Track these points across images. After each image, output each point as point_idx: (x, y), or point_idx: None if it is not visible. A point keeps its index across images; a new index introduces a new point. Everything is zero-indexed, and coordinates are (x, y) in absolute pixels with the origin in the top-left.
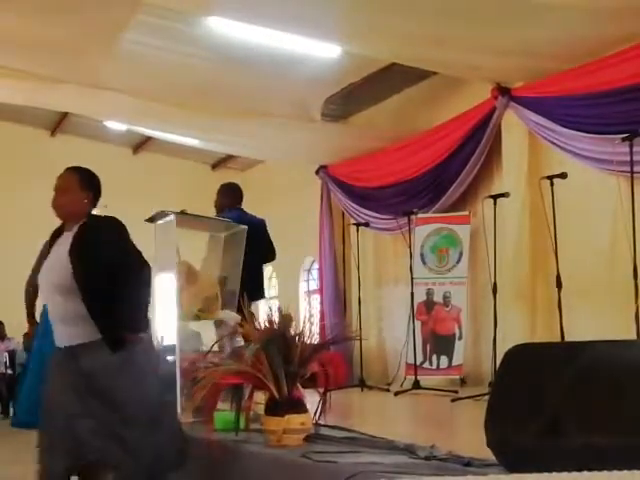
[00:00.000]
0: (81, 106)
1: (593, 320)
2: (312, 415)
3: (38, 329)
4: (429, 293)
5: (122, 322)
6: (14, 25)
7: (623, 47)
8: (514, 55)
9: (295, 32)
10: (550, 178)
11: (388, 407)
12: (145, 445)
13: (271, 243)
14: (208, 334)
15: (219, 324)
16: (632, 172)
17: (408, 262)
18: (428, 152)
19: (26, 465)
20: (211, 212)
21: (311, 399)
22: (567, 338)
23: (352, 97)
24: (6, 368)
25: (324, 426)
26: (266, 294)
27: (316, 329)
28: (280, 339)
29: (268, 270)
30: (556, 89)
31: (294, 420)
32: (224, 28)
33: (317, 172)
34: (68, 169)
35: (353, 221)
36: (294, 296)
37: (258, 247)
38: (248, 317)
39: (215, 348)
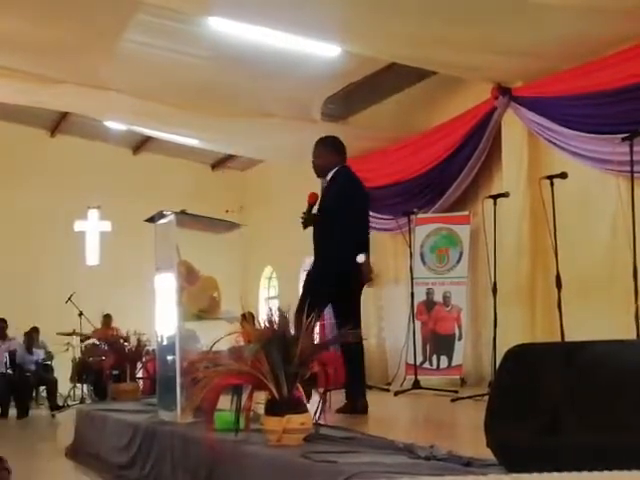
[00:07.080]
0: (81, 106)
1: (593, 320)
2: (312, 415)
3: None
4: (429, 293)
5: None
6: (15, 26)
7: (623, 47)
8: (514, 55)
9: (295, 32)
10: (550, 178)
11: (388, 407)
12: None
13: None
14: (209, 334)
15: None
16: (632, 172)
17: (408, 262)
18: (428, 152)
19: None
20: (211, 212)
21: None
22: (567, 338)
23: (352, 97)
24: (7, 368)
25: (324, 426)
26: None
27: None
28: (280, 339)
29: (268, 270)
30: (556, 89)
31: (294, 420)
32: (224, 28)
33: None
34: None
35: None
36: (294, 296)
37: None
38: (248, 317)
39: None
